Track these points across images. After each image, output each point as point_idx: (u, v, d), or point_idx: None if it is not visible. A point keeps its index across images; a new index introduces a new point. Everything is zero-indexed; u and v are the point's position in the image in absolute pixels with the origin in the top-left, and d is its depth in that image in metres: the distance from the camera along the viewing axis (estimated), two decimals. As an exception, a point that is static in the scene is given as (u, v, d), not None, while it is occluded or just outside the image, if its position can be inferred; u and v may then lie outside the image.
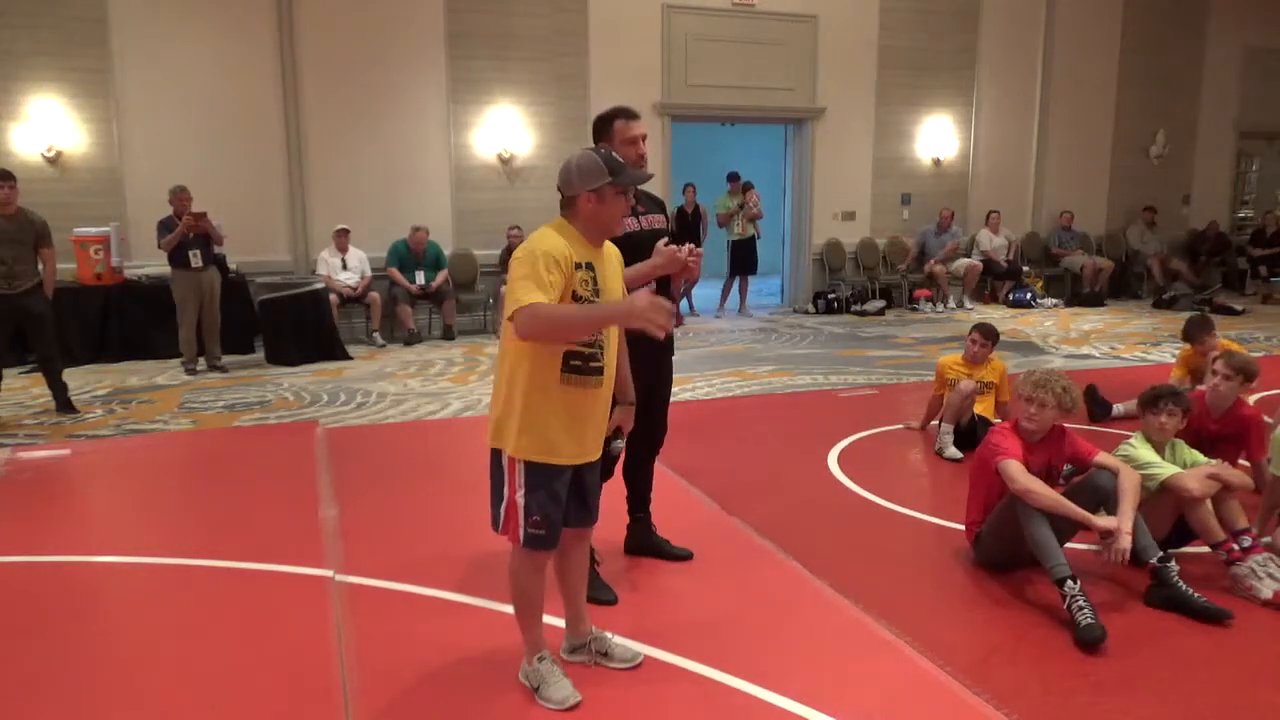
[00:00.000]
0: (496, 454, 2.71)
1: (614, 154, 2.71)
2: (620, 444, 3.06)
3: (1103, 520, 3.38)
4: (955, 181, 12.31)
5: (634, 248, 3.18)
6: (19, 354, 7.25)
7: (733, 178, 11.46)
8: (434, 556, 3.83)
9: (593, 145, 2.78)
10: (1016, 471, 3.48)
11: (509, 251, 9.35)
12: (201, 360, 8.01)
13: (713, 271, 12.26)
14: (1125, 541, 3.32)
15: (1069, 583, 3.26)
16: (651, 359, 3.42)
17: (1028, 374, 3.77)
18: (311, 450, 5.45)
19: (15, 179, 6.19)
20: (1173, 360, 6.77)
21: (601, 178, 2.60)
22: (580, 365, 2.62)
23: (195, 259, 7.80)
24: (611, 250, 2.79)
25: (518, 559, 2.76)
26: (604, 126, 3.38)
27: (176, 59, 8.99)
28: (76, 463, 5.44)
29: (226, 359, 8.11)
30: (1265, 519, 3.93)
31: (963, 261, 11.85)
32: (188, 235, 7.72)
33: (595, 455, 2.77)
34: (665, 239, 3.23)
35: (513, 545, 2.74)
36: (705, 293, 11.88)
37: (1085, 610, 3.18)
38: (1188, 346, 5.99)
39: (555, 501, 2.67)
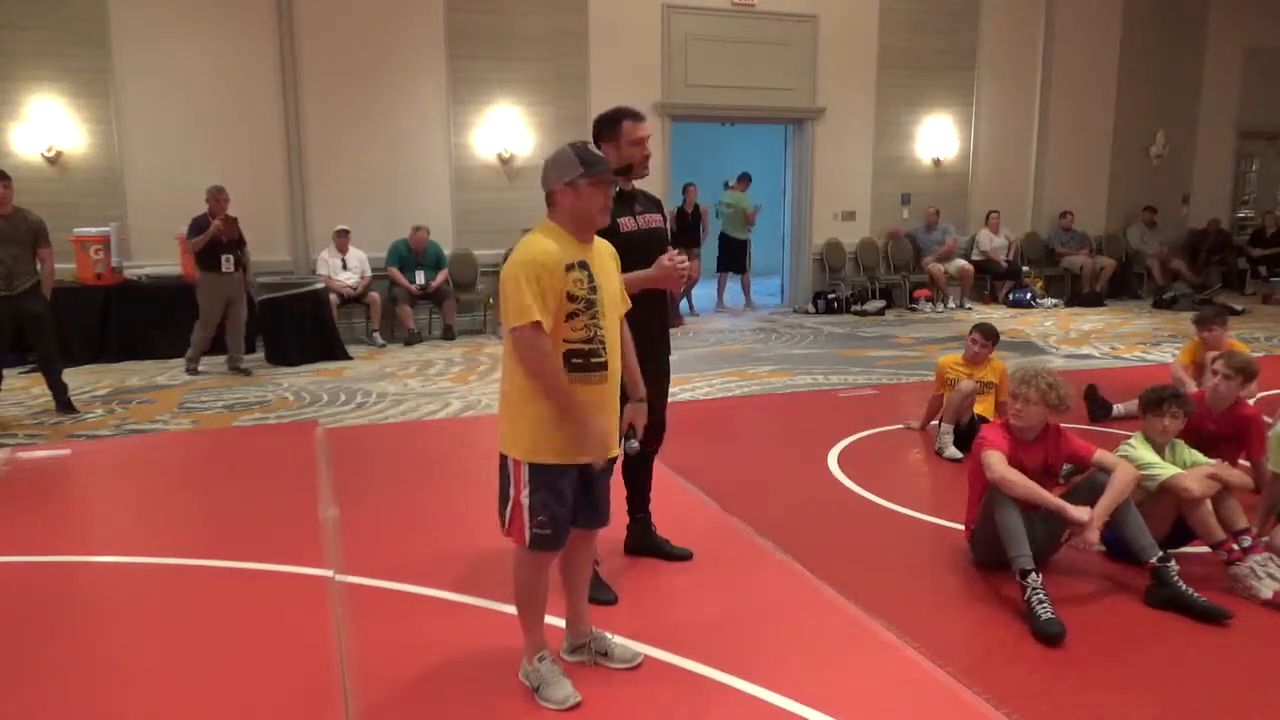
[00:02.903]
0: (503, 456, 2.71)
1: (590, 148, 2.72)
2: (635, 444, 3.05)
3: (1076, 510, 3.42)
4: (955, 181, 12.31)
5: (633, 248, 3.18)
6: (19, 354, 7.24)
7: (746, 178, 11.75)
8: (434, 556, 3.83)
9: (572, 141, 2.78)
10: (995, 460, 3.53)
11: (515, 252, 9.35)
12: (204, 361, 7.97)
13: (713, 271, 12.32)
14: (1093, 535, 3.37)
15: (1031, 575, 3.30)
16: (651, 359, 3.42)
17: (1015, 370, 3.82)
18: (311, 450, 5.45)
19: (10, 179, 6.16)
20: (1173, 360, 6.77)
21: (575, 170, 2.63)
22: (581, 363, 2.63)
23: (227, 264, 7.72)
24: (604, 247, 2.79)
25: (522, 560, 2.76)
26: (610, 126, 3.35)
27: (176, 59, 8.98)
28: (76, 463, 5.44)
29: (226, 359, 8.09)
30: (1265, 519, 3.93)
31: (957, 262, 11.86)
32: (220, 239, 7.62)
33: (611, 452, 2.76)
34: (668, 244, 3.24)
35: (517, 546, 2.74)
36: (706, 293, 11.88)
37: (1045, 604, 3.21)
38: (1195, 339, 6.02)
39: (560, 501, 2.67)
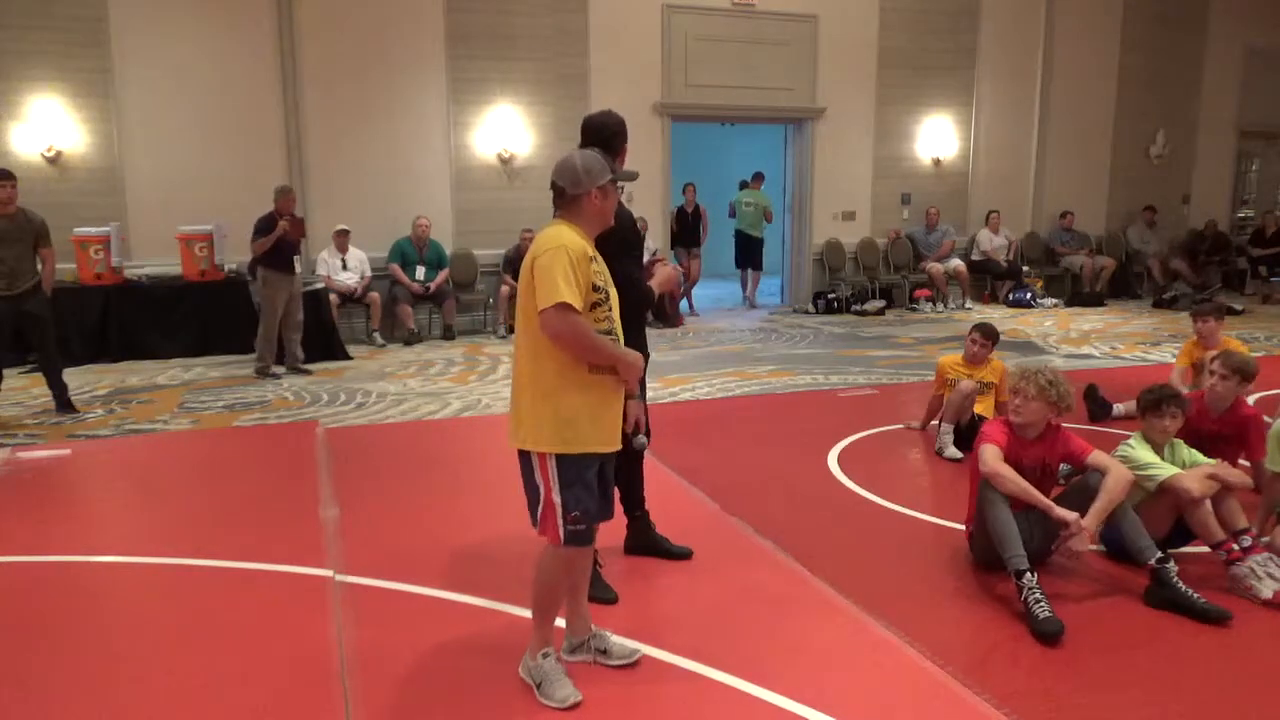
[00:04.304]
0: (525, 456, 2.73)
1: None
2: (644, 439, 3.08)
3: (1062, 511, 3.42)
4: (955, 181, 12.31)
5: (637, 246, 3.41)
6: (19, 354, 7.24)
7: (760, 176, 11.96)
8: (434, 556, 3.83)
9: (583, 146, 2.89)
10: (989, 455, 3.53)
11: (518, 251, 9.35)
12: (206, 360, 7.94)
13: (712, 271, 12.33)
14: (1081, 543, 3.37)
15: (1026, 575, 3.30)
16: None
17: (1015, 367, 3.83)
18: (312, 450, 5.45)
19: (15, 179, 6.17)
20: (1173, 360, 6.77)
21: (606, 174, 2.76)
22: None
23: (296, 263, 7.74)
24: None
25: (553, 557, 2.78)
26: (622, 133, 3.47)
27: (176, 59, 8.98)
28: (76, 463, 5.44)
29: (226, 359, 8.08)
30: (1265, 519, 3.93)
31: (954, 262, 11.88)
32: (288, 239, 7.53)
33: (619, 445, 2.82)
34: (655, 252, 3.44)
35: (549, 545, 2.76)
36: (707, 292, 11.89)
37: (1042, 603, 3.21)
38: (1191, 338, 6.03)
39: (591, 494, 2.72)
